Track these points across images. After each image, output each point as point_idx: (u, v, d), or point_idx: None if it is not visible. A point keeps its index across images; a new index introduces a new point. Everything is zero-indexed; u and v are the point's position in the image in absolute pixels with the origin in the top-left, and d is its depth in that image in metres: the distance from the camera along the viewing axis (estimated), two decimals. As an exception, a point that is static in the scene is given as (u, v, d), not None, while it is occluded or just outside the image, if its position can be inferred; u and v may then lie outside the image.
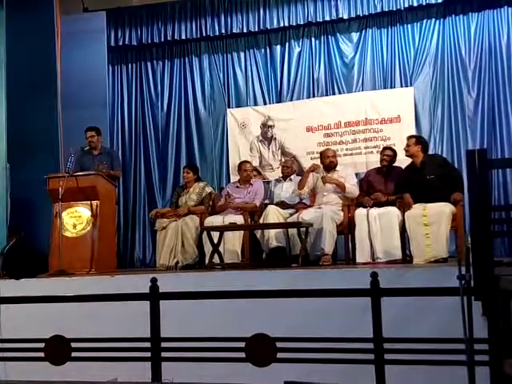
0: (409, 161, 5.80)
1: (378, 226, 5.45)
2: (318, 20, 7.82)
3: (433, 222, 5.17)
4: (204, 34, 8.19)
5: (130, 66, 8.72)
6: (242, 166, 6.61)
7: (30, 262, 5.41)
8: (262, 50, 8.27)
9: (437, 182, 5.45)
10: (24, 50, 6.85)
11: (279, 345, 3.19)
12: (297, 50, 8.10)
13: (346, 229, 5.76)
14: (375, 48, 7.80)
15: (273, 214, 5.92)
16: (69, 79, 7.27)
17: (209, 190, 6.58)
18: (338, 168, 6.15)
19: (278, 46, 8.20)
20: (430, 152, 6.65)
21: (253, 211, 6.21)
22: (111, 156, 6.60)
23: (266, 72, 8.21)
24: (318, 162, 6.40)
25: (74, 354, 3.49)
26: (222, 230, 5.84)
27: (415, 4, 7.41)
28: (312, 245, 5.62)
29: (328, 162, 6.11)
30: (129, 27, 8.41)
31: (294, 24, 7.91)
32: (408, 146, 5.69)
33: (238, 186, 6.52)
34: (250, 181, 6.49)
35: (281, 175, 6.77)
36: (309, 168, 6.21)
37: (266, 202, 6.40)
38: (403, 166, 5.95)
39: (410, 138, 5.83)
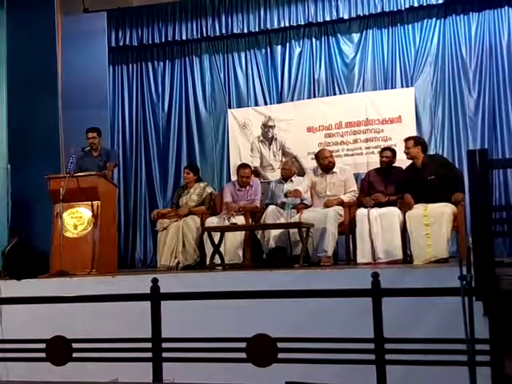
0: (409, 160, 5.79)
1: (379, 226, 5.44)
2: (319, 20, 7.82)
3: (434, 222, 5.16)
4: (204, 35, 8.19)
5: (130, 66, 8.72)
6: (240, 171, 6.52)
7: (31, 262, 5.41)
8: (263, 51, 8.27)
9: (437, 182, 5.44)
10: (25, 51, 6.86)
11: (280, 345, 3.19)
12: (297, 50, 8.10)
13: (347, 229, 5.76)
14: (376, 48, 7.80)
15: (274, 215, 5.92)
16: (69, 80, 7.27)
17: (209, 190, 6.58)
18: (335, 169, 6.11)
19: (279, 47, 8.20)
20: (431, 152, 6.65)
21: (253, 211, 6.20)
22: (109, 154, 6.60)
23: (266, 72, 8.21)
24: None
25: (74, 355, 3.49)
26: (222, 230, 5.84)
27: (416, 4, 7.40)
28: (314, 246, 5.60)
29: (327, 163, 6.07)
30: (129, 28, 8.41)
31: (295, 24, 7.91)
32: (408, 148, 5.65)
33: (239, 190, 6.47)
34: (249, 183, 6.45)
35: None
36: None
37: (267, 202, 6.39)
38: (403, 166, 5.95)
39: (407, 140, 5.76)
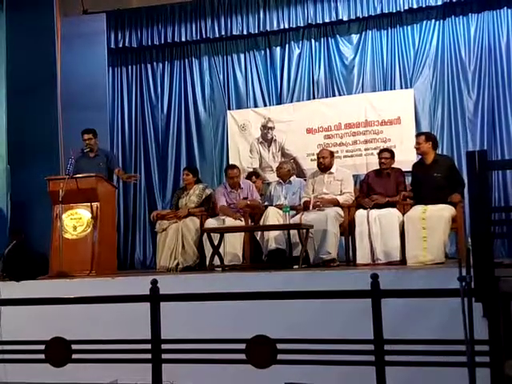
0: (407, 160, 5.78)
1: (378, 228, 5.43)
2: (318, 22, 7.83)
3: (431, 226, 5.12)
4: (204, 36, 8.20)
5: (129, 67, 8.73)
6: (228, 172, 6.48)
7: (31, 263, 5.40)
8: (262, 52, 8.28)
9: (442, 181, 5.42)
10: (24, 52, 6.87)
11: (280, 346, 3.19)
12: (297, 51, 8.11)
13: (347, 230, 5.76)
14: (375, 50, 7.81)
15: (273, 216, 5.92)
16: (69, 81, 7.28)
17: (209, 191, 6.57)
18: (333, 170, 6.10)
19: (278, 48, 8.21)
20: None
21: (254, 213, 6.19)
22: (108, 157, 6.59)
23: (266, 74, 8.22)
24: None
25: (74, 356, 3.49)
26: (222, 231, 5.84)
27: (415, 6, 7.41)
28: (316, 248, 5.58)
29: (317, 163, 6.10)
30: (129, 29, 8.42)
31: (294, 26, 7.92)
32: (418, 143, 5.59)
33: (230, 191, 6.42)
34: (239, 183, 6.42)
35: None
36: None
37: (266, 203, 6.38)
38: (403, 167, 5.96)
39: (419, 135, 5.75)
